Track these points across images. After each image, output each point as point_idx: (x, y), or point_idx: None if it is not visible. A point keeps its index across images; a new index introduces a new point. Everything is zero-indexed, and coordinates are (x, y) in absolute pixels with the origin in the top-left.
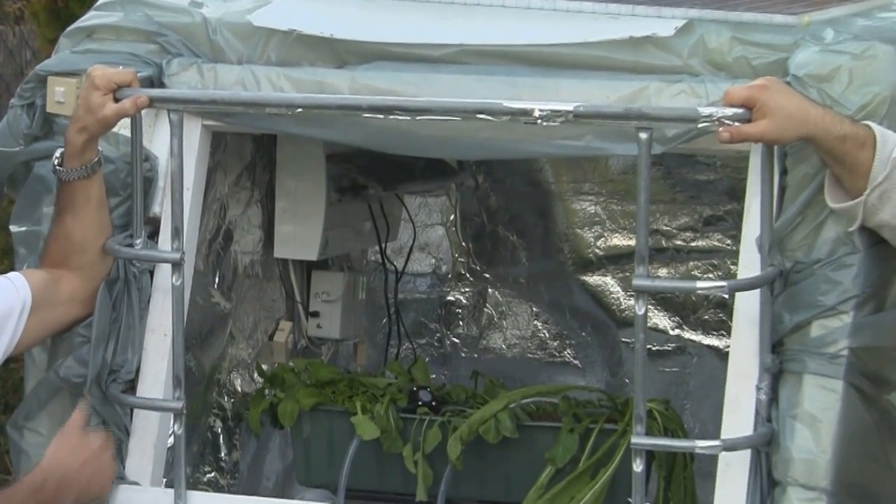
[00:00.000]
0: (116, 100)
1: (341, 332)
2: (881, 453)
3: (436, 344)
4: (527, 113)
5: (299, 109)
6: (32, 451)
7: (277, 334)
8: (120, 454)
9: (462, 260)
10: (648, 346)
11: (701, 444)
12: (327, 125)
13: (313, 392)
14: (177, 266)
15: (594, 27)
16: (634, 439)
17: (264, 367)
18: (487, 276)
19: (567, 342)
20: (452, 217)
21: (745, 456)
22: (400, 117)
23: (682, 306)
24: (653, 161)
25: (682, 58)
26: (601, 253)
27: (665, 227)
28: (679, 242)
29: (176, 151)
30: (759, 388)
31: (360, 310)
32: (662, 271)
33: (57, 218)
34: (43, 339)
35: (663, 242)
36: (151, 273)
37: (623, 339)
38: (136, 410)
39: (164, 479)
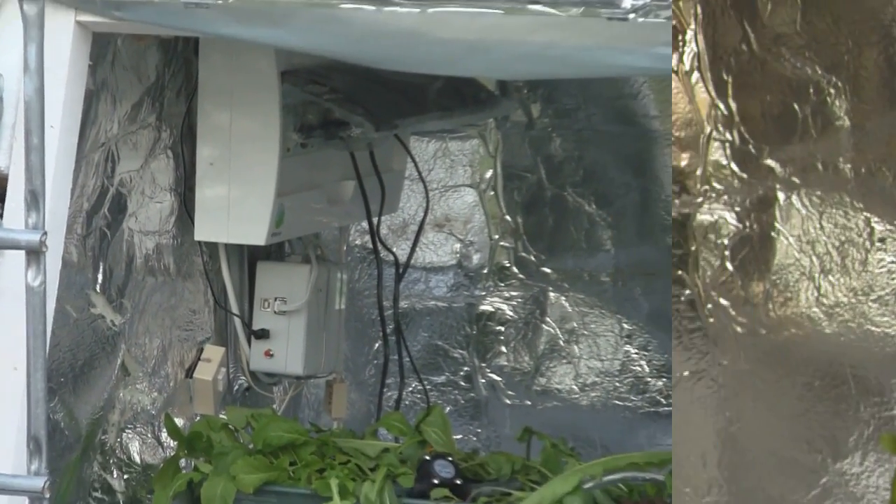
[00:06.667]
0: None
1: (306, 365)
2: None
3: (462, 384)
4: (612, 3)
5: None
6: None
7: (200, 368)
8: None
9: (507, 245)
10: None
11: None
12: (282, 23)
13: (260, 463)
14: (34, 255)
15: None
16: None
17: (178, 421)
18: (548, 270)
19: None
20: (490, 174)
21: None
22: (402, 9)
23: None
24: None
25: None
26: None
27: None
28: None
29: (33, 66)
30: None
31: (338, 327)
32: None
33: None
34: None
35: None
36: None
37: None
38: None
39: None
